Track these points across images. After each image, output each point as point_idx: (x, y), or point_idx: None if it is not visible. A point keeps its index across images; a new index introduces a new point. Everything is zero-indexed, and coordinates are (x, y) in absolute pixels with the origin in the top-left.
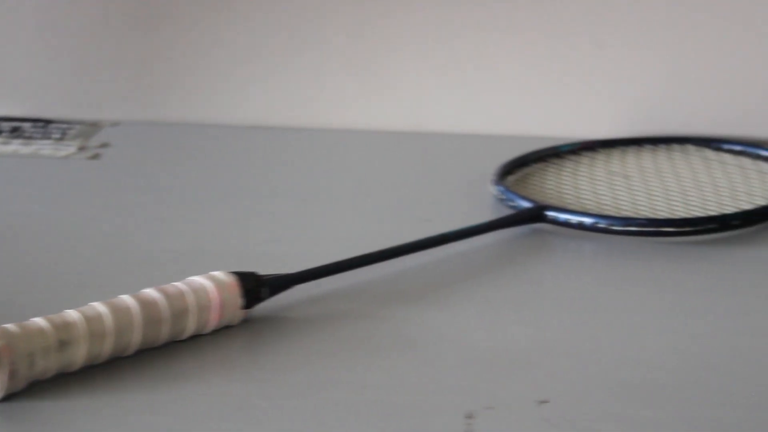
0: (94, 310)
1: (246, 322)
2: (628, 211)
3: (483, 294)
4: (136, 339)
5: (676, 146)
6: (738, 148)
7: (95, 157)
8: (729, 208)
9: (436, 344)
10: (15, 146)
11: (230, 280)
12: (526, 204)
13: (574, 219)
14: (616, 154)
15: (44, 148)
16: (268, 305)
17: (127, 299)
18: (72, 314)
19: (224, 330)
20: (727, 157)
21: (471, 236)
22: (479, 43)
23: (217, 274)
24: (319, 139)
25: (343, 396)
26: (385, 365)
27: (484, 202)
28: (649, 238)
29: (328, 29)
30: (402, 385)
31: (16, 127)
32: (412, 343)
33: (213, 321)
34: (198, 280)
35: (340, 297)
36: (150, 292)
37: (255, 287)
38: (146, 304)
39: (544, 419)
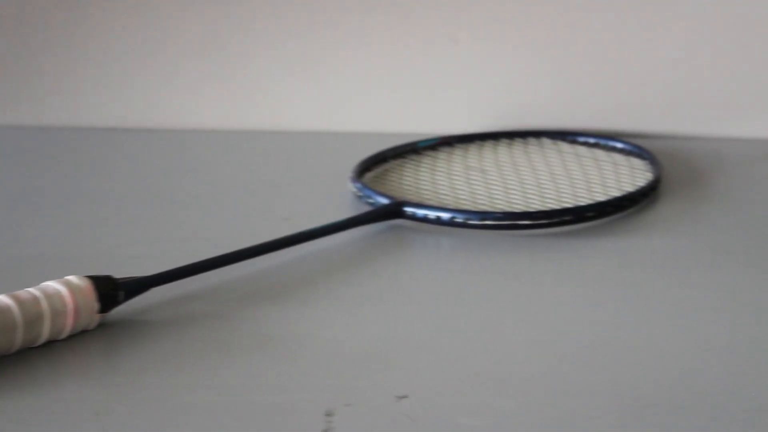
0: None
1: (103, 326)
2: (485, 205)
3: (342, 291)
4: None
5: (532, 140)
6: (592, 140)
7: None
8: (584, 200)
9: (296, 343)
10: None
11: (85, 285)
12: (384, 200)
13: (432, 214)
14: (473, 149)
15: None
16: (125, 309)
17: None
18: None
19: (80, 335)
20: (582, 150)
21: (330, 234)
22: (336, 40)
23: (72, 278)
24: (177, 140)
25: (203, 398)
26: (244, 366)
27: (343, 200)
28: (506, 232)
29: (183, 30)
30: (261, 385)
31: None
32: (271, 343)
33: (68, 326)
34: (52, 285)
35: (199, 298)
36: (2, 299)
37: (111, 291)
38: None
39: (403, 414)
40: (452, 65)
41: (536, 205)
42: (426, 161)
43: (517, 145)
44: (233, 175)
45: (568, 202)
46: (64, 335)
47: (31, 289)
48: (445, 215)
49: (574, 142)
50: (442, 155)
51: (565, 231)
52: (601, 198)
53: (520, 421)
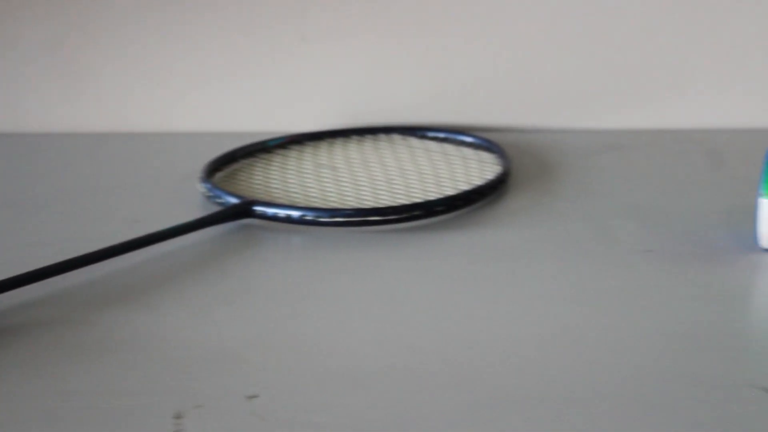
0: None
1: None
2: (335, 203)
3: (192, 293)
4: None
5: (382, 136)
6: (442, 135)
7: None
8: (433, 195)
9: (145, 346)
10: None
11: None
12: (233, 200)
13: (282, 213)
14: (323, 147)
15: None
16: None
17: None
18: None
19: None
20: (432, 145)
21: (179, 235)
22: (180, 39)
23: None
24: (21, 143)
25: (49, 405)
26: (91, 371)
27: (193, 201)
28: (357, 228)
29: (24, 31)
30: (109, 389)
31: None
32: (119, 347)
33: None
34: None
35: (44, 304)
36: None
37: None
38: None
39: (253, 414)
40: (301, 63)
41: (386, 201)
42: (276, 160)
43: (368, 142)
44: (80, 179)
45: (418, 197)
46: None
47: None
48: (295, 213)
49: (424, 137)
50: (293, 153)
51: (416, 226)
52: (451, 192)
53: (369, 417)
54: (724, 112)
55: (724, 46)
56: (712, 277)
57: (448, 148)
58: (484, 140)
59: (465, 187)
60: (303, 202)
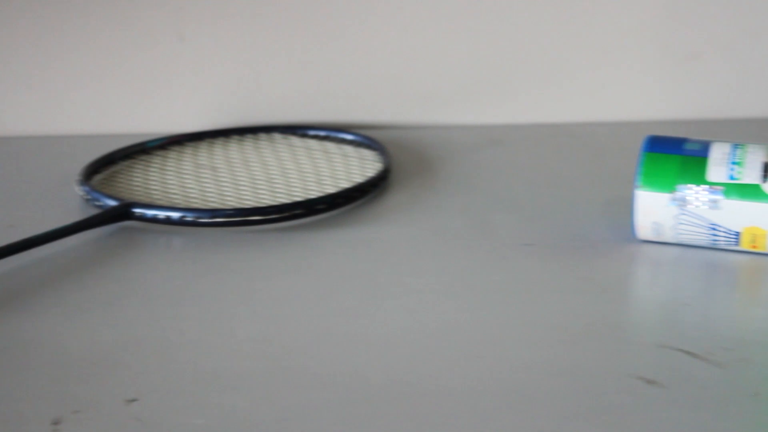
0: None
1: None
2: (215, 203)
3: (70, 297)
4: None
5: (263, 135)
6: (323, 133)
7: None
8: (314, 193)
9: (22, 352)
10: None
11: None
12: (112, 203)
13: (162, 214)
14: (204, 147)
15: None
16: None
17: None
18: None
19: None
20: (313, 143)
21: (57, 239)
22: (55, 40)
23: None
24: None
25: None
26: None
27: (71, 204)
28: (238, 228)
29: None
30: None
31: None
32: None
33: None
34: None
35: None
36: None
37: None
38: None
39: (133, 417)
40: (179, 62)
41: (267, 200)
42: (156, 161)
43: (248, 142)
44: None
45: (299, 196)
46: None
47: None
48: (174, 215)
49: (305, 135)
50: (173, 154)
51: (297, 224)
52: (332, 190)
53: (250, 417)
54: (602, 105)
55: (601, 41)
56: (591, 269)
57: (329, 146)
58: (365, 137)
59: (346, 184)
60: (183, 204)
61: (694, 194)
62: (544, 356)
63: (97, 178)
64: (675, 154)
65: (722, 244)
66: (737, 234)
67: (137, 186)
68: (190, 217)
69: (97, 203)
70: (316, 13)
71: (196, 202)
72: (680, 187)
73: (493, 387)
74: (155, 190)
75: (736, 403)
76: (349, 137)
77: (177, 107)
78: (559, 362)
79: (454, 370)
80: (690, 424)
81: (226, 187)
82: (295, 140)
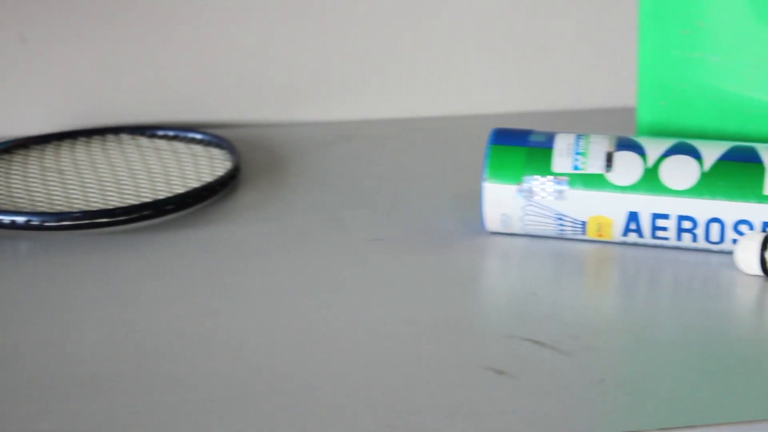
0: None
1: None
2: (62, 206)
3: None
4: None
5: (110, 137)
6: (171, 133)
7: None
8: (163, 194)
9: None
10: None
11: None
12: None
13: (6, 219)
14: (50, 150)
15: None
16: None
17: None
18: None
19: None
20: (162, 144)
21: None
22: None
23: None
24: None
25: None
26: None
27: None
28: (86, 231)
29: None
30: None
31: None
32: None
33: None
34: None
35: None
36: None
37: None
38: None
39: None
40: (22, 65)
41: (115, 202)
42: (0, 165)
43: (96, 143)
44: None
45: (147, 197)
46: None
47: None
48: (20, 219)
49: (153, 136)
50: (18, 158)
51: (147, 226)
52: (181, 190)
53: (100, 421)
54: (450, 99)
55: (448, 35)
56: (441, 262)
57: (178, 146)
58: (214, 137)
59: (195, 184)
60: (29, 208)
61: (540, 185)
62: (395, 350)
63: None
64: (520, 146)
65: (569, 234)
66: (583, 223)
67: None
68: (36, 221)
69: None
70: (161, 12)
71: (42, 206)
72: (526, 178)
73: (346, 382)
74: (0, 194)
75: (583, 390)
76: (198, 136)
77: (21, 110)
78: (410, 356)
79: (308, 366)
80: (538, 412)
81: (74, 190)
82: (144, 141)
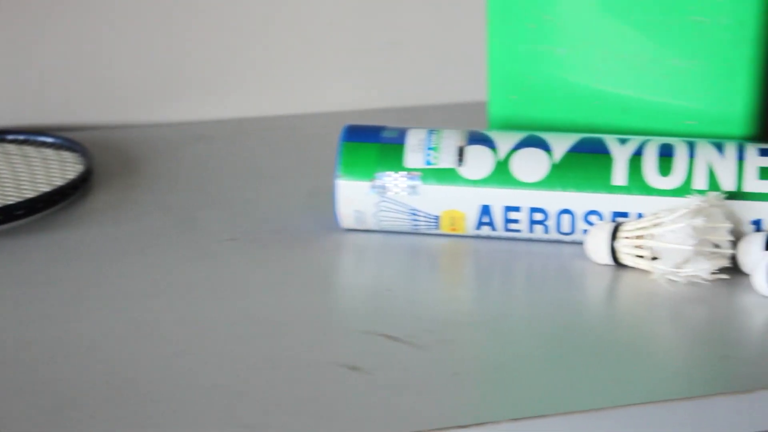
0: None
1: None
2: None
3: None
4: None
5: None
6: (21, 137)
7: None
8: (13, 199)
9: None
10: None
11: None
12: None
13: None
14: None
15: None
16: None
17: None
18: None
19: None
20: (11, 148)
21: None
22: None
23: None
24: None
25: None
26: None
27: None
28: None
29: None
30: None
31: None
32: None
33: None
34: None
35: None
36: None
37: None
38: None
39: None
40: None
41: None
42: None
43: None
44: None
45: None
46: None
47: None
48: None
49: (3, 140)
50: None
51: None
52: (31, 195)
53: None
54: (304, 97)
55: (300, 33)
56: (296, 260)
57: (28, 150)
58: (65, 140)
59: (46, 188)
60: None
61: (393, 181)
62: (250, 349)
63: None
64: (372, 142)
65: (423, 229)
66: (437, 218)
67: None
68: None
69: None
70: (6, 16)
71: None
72: (379, 174)
73: (200, 382)
74: None
75: (438, 383)
76: (49, 140)
77: None
78: (265, 354)
79: (160, 369)
80: (393, 406)
81: None
82: None
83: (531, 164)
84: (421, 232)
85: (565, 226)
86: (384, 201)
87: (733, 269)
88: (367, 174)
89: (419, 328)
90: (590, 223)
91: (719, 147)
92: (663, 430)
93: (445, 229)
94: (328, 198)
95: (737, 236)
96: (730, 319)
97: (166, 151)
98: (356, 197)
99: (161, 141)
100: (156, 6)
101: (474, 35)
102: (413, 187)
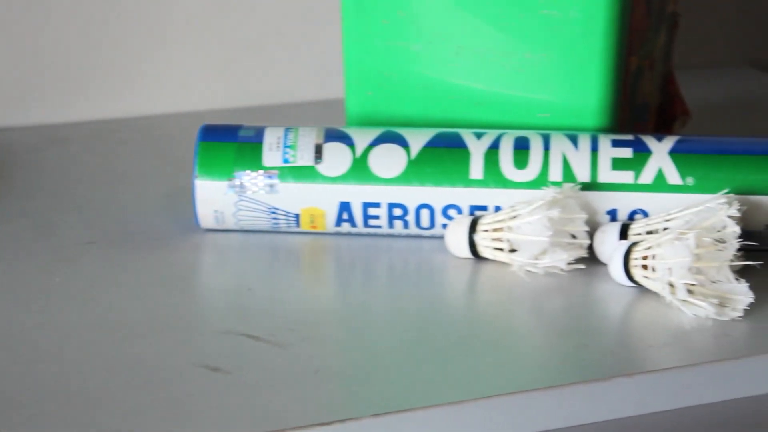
0: None
1: None
2: None
3: None
4: None
5: None
6: None
7: None
8: None
9: None
10: None
11: None
12: None
13: None
14: None
15: None
16: None
17: None
18: None
19: None
20: None
21: None
22: None
23: None
24: None
25: None
26: None
27: None
28: None
29: None
30: None
31: None
32: None
33: None
34: None
35: None
36: None
37: None
38: None
39: None
40: None
41: None
42: None
43: None
44: None
45: None
46: None
47: None
48: None
49: None
50: None
51: None
52: None
53: None
54: (163, 98)
55: (158, 33)
56: (156, 262)
57: None
58: None
59: None
60: None
61: (252, 180)
62: (109, 354)
63: None
64: (230, 141)
65: (283, 227)
66: (297, 216)
67: None
68: None
69: None
70: None
71: None
72: (237, 173)
73: (59, 389)
74: None
75: (300, 381)
76: None
77: None
78: (124, 358)
79: (18, 375)
80: (255, 406)
81: None
82: None
83: (388, 160)
84: (281, 231)
85: (425, 221)
86: (243, 200)
87: (590, 259)
88: (225, 173)
89: (280, 327)
90: (449, 218)
91: (573, 139)
92: (524, 420)
93: (305, 227)
94: (187, 199)
95: (593, 227)
96: (587, 308)
97: (21, 156)
98: (215, 197)
99: (16, 145)
100: (8, 7)
101: (330, 33)
102: (272, 186)
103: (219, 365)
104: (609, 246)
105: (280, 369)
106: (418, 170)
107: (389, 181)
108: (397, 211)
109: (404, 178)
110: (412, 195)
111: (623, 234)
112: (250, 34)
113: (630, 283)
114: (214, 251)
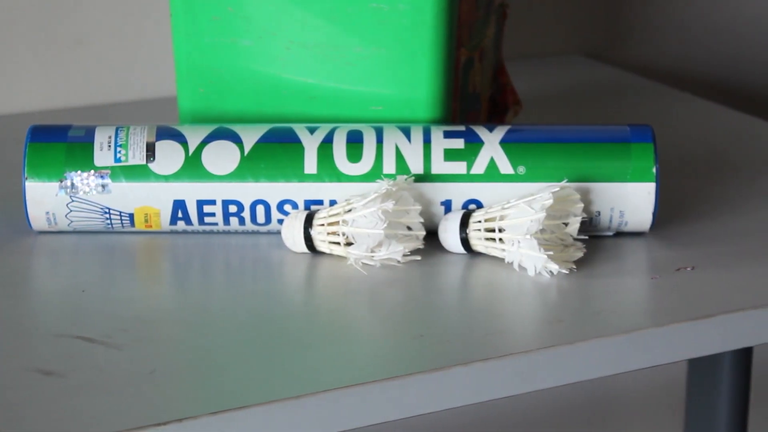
0: None
1: None
2: None
3: None
4: None
5: None
6: None
7: None
8: None
9: None
10: None
11: None
12: None
13: None
14: None
15: None
16: None
17: None
18: None
19: None
20: None
21: None
22: None
23: None
24: None
25: None
26: None
27: None
28: None
29: None
30: None
31: None
32: None
33: None
34: None
35: None
36: None
37: None
38: None
39: None
40: None
41: None
42: None
43: None
44: None
45: None
46: None
47: None
48: None
49: None
50: None
51: None
52: None
53: None
54: None
55: None
56: None
57: None
58: None
59: None
60: None
61: (83, 180)
62: None
63: None
64: (59, 141)
65: (118, 227)
66: (131, 215)
67: None
68: None
69: None
70: None
71: None
72: (68, 174)
73: None
74: None
75: (135, 382)
76: None
77: None
78: None
79: None
80: (89, 409)
81: None
82: None
83: (222, 157)
84: (116, 231)
85: (261, 217)
86: (75, 201)
87: (426, 251)
88: (56, 174)
89: (115, 328)
90: (285, 213)
91: (406, 131)
92: (362, 413)
93: (140, 227)
94: (18, 201)
95: (428, 218)
96: (424, 299)
97: None
98: (46, 199)
99: None
100: None
101: (160, 30)
102: (104, 186)
103: (52, 369)
104: (452, 234)
105: (115, 370)
106: (251, 166)
107: (223, 177)
108: (233, 208)
109: (238, 175)
110: (246, 191)
111: (464, 222)
112: (79, 31)
113: (462, 250)
114: (47, 253)
